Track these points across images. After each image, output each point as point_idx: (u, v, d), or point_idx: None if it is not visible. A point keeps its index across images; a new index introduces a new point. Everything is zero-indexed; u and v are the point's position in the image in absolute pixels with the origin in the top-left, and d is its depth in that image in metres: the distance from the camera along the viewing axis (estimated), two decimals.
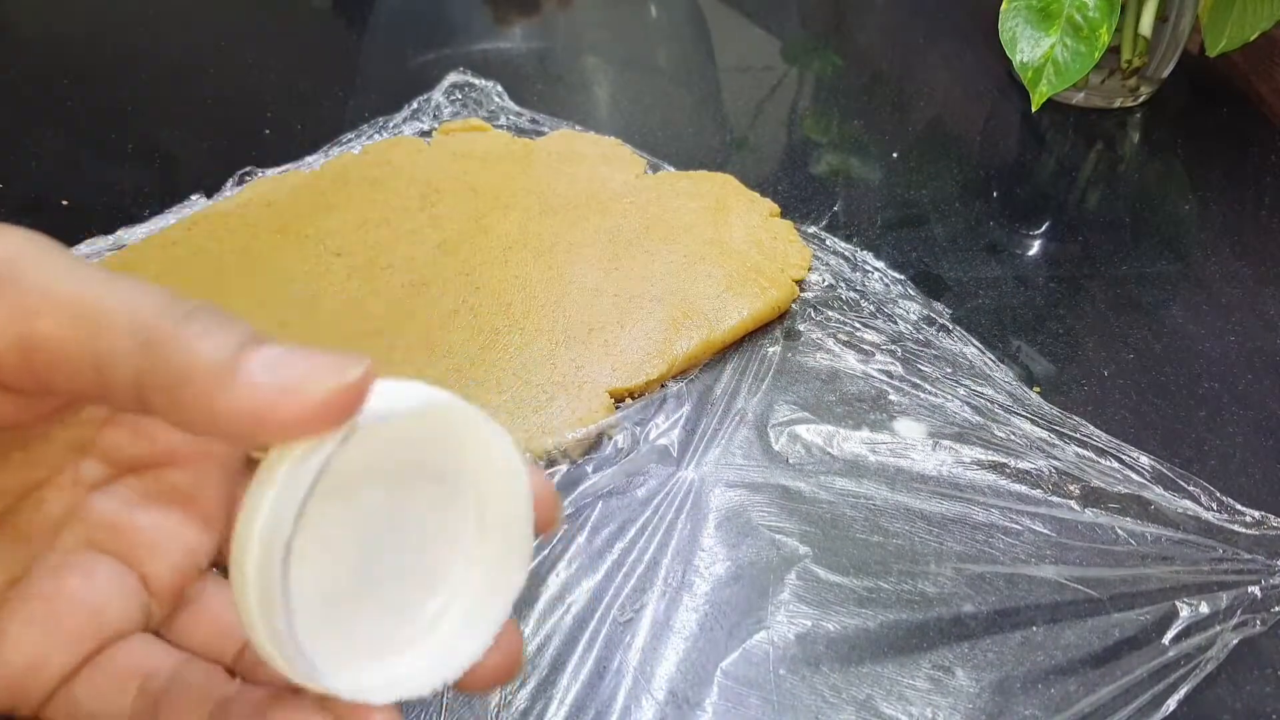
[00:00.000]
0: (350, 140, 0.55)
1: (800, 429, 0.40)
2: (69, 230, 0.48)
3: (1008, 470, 0.38)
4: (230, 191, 0.50)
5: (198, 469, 0.21)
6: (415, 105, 0.57)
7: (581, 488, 0.38)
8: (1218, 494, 0.37)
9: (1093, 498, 0.37)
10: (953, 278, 0.48)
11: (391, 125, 0.56)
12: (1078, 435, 0.40)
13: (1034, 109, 0.51)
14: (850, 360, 0.43)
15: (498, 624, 0.19)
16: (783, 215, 0.50)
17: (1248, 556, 0.36)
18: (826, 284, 0.47)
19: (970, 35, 0.68)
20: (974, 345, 0.44)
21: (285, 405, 0.15)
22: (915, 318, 0.45)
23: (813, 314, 0.45)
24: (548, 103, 0.59)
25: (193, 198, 0.50)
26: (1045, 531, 0.36)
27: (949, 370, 0.42)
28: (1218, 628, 0.33)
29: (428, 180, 0.50)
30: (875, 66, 0.66)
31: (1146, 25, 0.54)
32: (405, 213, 0.48)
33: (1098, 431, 0.40)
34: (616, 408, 0.40)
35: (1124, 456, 0.39)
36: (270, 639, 0.16)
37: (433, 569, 0.19)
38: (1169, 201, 0.54)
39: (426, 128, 0.55)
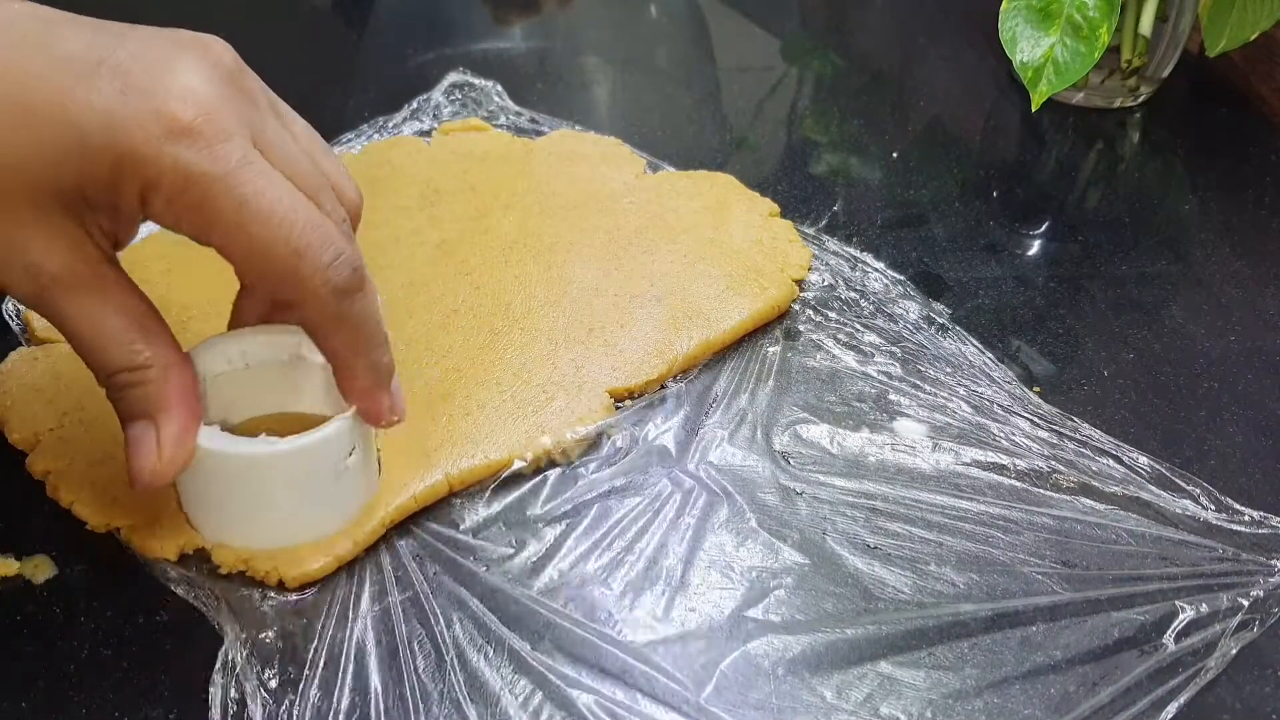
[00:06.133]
0: (350, 140, 0.55)
1: (800, 429, 0.40)
2: None
3: (1008, 470, 0.38)
4: None
5: None
6: (415, 105, 0.57)
7: (581, 487, 0.38)
8: (1217, 494, 0.37)
9: (1092, 497, 0.37)
10: (953, 278, 0.48)
11: (391, 125, 0.56)
12: (1077, 435, 0.40)
13: (1034, 109, 0.51)
14: (850, 360, 0.43)
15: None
16: (782, 215, 0.50)
17: (1248, 556, 0.36)
18: (826, 284, 0.47)
19: (970, 35, 0.68)
20: (974, 345, 0.44)
21: None
22: (915, 318, 0.45)
23: (813, 314, 0.45)
24: (548, 103, 0.59)
25: None
26: (1045, 531, 0.36)
27: (949, 370, 0.42)
28: (1218, 627, 0.33)
29: (428, 180, 0.50)
30: (875, 66, 0.66)
31: (1146, 25, 0.54)
32: (405, 213, 0.48)
33: (1097, 432, 0.40)
34: (616, 408, 0.40)
35: (1123, 456, 0.39)
36: None
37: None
38: (1169, 201, 0.54)
39: (426, 128, 0.55)
